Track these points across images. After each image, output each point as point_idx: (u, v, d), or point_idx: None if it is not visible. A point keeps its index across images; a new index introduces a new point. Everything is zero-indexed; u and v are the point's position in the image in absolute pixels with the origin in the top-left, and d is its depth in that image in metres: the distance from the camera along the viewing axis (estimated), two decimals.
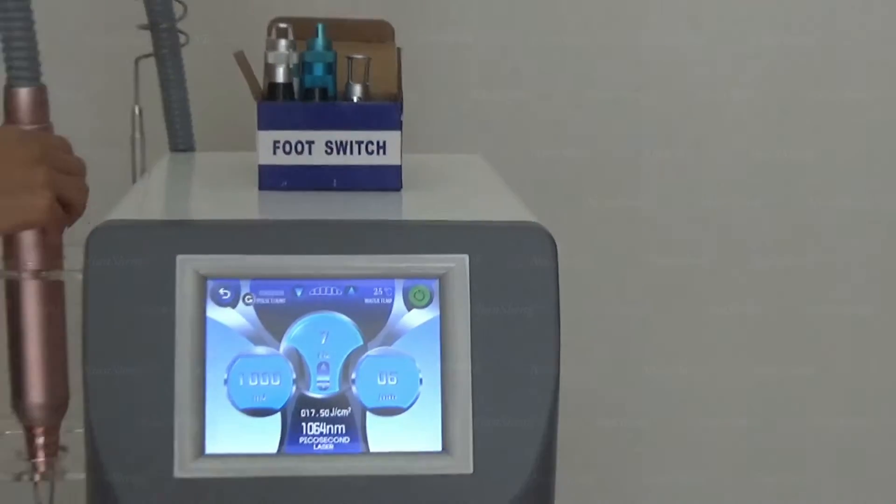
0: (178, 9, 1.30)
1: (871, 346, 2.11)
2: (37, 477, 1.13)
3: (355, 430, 0.94)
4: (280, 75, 1.10)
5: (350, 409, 0.94)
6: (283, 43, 1.09)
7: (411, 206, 1.06)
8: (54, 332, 1.13)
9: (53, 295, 1.13)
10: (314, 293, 0.95)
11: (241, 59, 1.11)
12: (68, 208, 1.05)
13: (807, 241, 2.04)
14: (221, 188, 1.14)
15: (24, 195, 1.00)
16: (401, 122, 1.09)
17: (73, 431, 1.15)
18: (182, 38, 1.32)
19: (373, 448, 0.93)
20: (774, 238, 2.03)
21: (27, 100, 1.08)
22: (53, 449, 1.14)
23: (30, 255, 1.10)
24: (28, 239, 1.10)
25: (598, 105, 1.92)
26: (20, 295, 1.11)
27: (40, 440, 1.13)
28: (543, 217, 0.99)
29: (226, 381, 0.93)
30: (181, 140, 1.38)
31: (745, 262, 2.04)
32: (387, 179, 1.10)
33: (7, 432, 1.15)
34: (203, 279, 0.94)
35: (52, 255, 1.11)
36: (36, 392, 1.12)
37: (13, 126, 1.08)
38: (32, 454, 1.13)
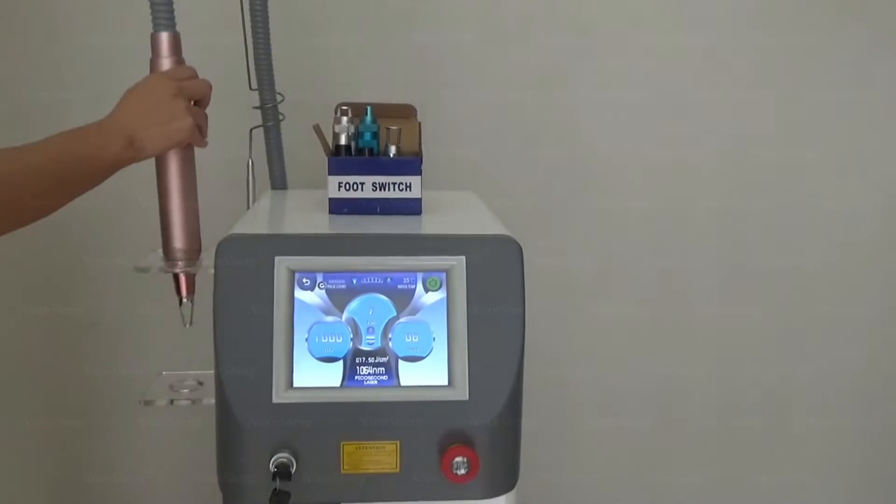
0: (278, 96, 1.30)
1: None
2: (184, 300, 1.11)
3: (391, 371, 0.94)
4: (343, 139, 1.10)
5: (388, 357, 0.94)
6: (344, 119, 1.10)
7: (428, 224, 1.06)
8: (190, 195, 1.11)
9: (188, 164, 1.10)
10: (365, 281, 0.95)
11: (317, 129, 1.12)
12: (200, 116, 1.06)
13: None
14: (305, 213, 1.14)
15: (173, 123, 1.02)
16: (421, 170, 1.10)
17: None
18: (281, 116, 1.33)
19: (403, 383, 0.94)
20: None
21: (167, 42, 1.07)
22: (191, 287, 1.12)
23: None
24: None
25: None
26: (165, 166, 1.09)
27: (182, 279, 1.11)
28: (514, 231, 0.99)
29: (306, 339, 0.93)
30: (278, 181, 1.38)
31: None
32: (412, 207, 1.10)
33: (164, 372, 1.16)
34: (292, 272, 0.94)
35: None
36: (178, 240, 1.10)
37: (154, 73, 1.06)
38: (178, 289, 1.11)
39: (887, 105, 1.90)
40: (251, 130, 1.32)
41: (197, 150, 1.10)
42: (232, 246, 0.94)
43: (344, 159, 1.09)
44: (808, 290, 1.96)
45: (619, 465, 2.01)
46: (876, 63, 1.87)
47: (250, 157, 1.32)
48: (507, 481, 0.95)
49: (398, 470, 0.91)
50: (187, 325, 1.11)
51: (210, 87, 1.09)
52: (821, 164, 1.91)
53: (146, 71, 1.07)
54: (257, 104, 1.31)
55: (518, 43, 1.77)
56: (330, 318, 0.94)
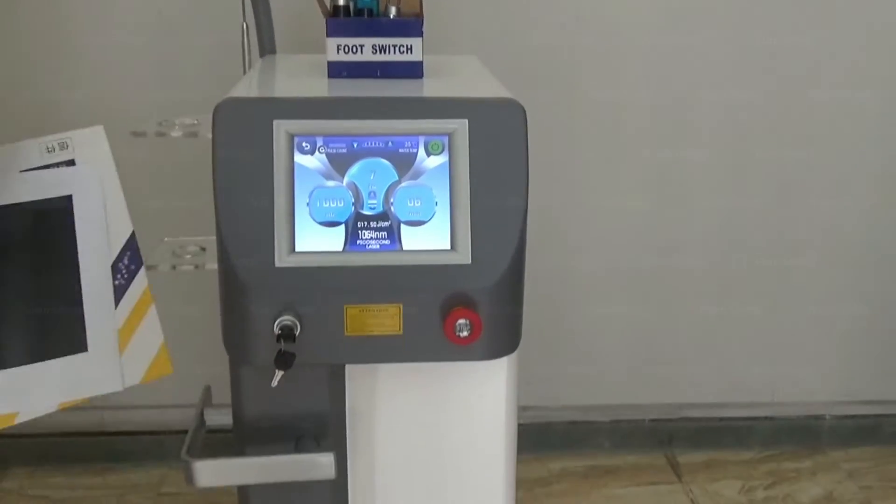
0: None
1: None
2: None
3: (394, 235, 0.94)
4: (341, 0, 1.07)
5: (390, 221, 0.94)
6: None
7: (430, 88, 1.05)
8: None
9: None
10: (366, 145, 0.94)
11: None
12: None
13: None
14: (303, 77, 1.12)
15: None
16: (422, 31, 1.06)
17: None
18: None
19: (405, 247, 0.94)
20: None
21: None
22: None
23: None
24: None
25: None
26: None
27: None
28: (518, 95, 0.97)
29: (307, 204, 0.93)
30: (267, 46, 1.34)
31: None
32: (413, 70, 1.07)
33: (166, 239, 1.15)
34: (291, 136, 0.93)
35: None
36: None
37: None
38: None
39: None
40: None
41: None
42: (229, 109, 0.93)
43: (343, 21, 1.06)
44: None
45: (620, 327, 2.05)
46: None
47: (244, 20, 1.28)
48: (508, 343, 0.97)
49: (401, 332, 0.93)
50: None
51: None
52: None
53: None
54: None
55: None
56: (331, 183, 0.93)
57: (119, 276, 0.78)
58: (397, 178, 0.94)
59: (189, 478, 0.93)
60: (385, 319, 0.92)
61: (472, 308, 0.91)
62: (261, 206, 0.92)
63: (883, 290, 2.07)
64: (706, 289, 2.04)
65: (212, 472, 0.93)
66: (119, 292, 0.78)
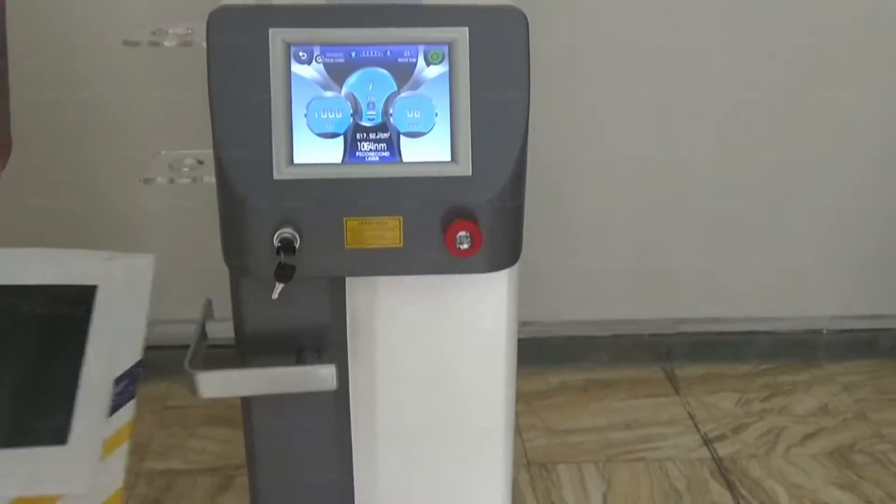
0: None
1: None
2: None
3: (393, 147, 0.93)
4: None
5: (389, 133, 0.93)
6: None
7: None
8: None
9: None
10: (364, 55, 0.92)
11: None
12: None
13: None
14: None
15: None
16: None
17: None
18: None
19: (405, 159, 0.93)
20: None
21: None
22: None
23: None
24: None
25: None
26: None
27: None
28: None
29: (305, 115, 0.92)
30: None
31: None
32: None
33: (163, 152, 1.14)
34: (287, 45, 0.91)
35: None
36: None
37: None
38: None
39: None
40: None
41: None
42: (223, 18, 0.91)
43: None
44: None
45: (619, 241, 2.05)
46: None
47: None
48: (509, 256, 0.97)
49: (401, 245, 0.92)
50: None
51: None
52: None
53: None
54: None
55: None
56: (329, 94, 0.92)
57: (114, 395, 0.76)
58: (396, 88, 0.92)
59: (192, 389, 0.94)
60: (385, 232, 0.92)
61: (473, 220, 0.91)
62: (258, 118, 0.90)
63: (883, 205, 2.06)
64: (706, 205, 2.03)
65: (214, 384, 0.94)
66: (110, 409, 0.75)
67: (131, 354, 0.74)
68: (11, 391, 0.72)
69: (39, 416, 0.71)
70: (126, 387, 0.74)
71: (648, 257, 2.07)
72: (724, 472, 1.79)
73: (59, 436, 0.70)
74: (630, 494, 1.73)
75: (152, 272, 0.78)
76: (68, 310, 0.76)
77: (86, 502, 0.69)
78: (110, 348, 0.75)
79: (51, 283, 0.77)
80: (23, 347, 0.74)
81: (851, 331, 2.17)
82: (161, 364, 2.00)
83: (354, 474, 1.06)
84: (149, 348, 2.11)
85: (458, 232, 0.90)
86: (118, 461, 0.71)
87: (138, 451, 1.82)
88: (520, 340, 1.07)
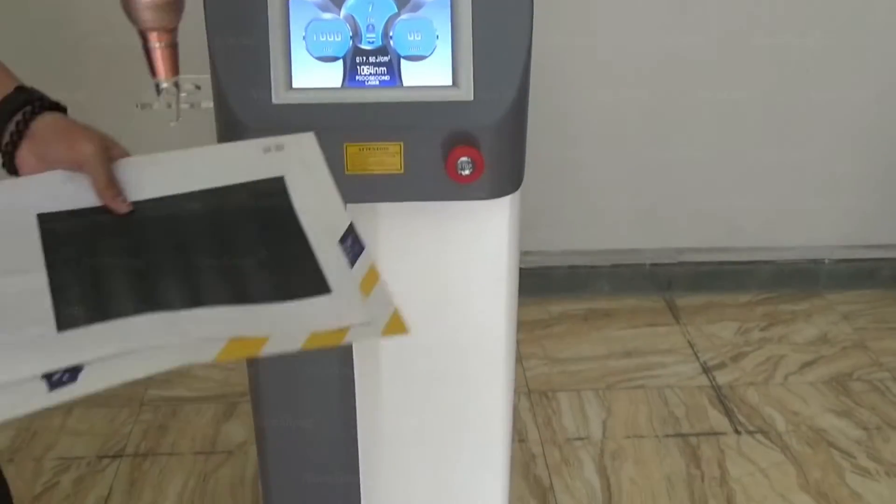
0: None
1: None
2: (163, 84, 0.91)
3: (393, 71, 0.91)
4: None
5: (389, 56, 0.91)
6: None
7: None
8: None
9: None
10: None
11: None
12: None
13: None
14: None
15: None
16: None
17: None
18: None
19: (405, 83, 0.91)
20: None
21: None
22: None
23: None
24: None
25: None
26: None
27: (156, 45, 0.87)
28: None
29: (304, 38, 0.90)
30: None
31: None
32: None
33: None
34: None
35: None
36: None
37: None
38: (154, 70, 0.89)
39: None
40: None
41: None
42: None
43: None
44: None
45: (621, 170, 2.03)
46: None
47: None
48: (511, 182, 0.96)
49: (402, 171, 0.91)
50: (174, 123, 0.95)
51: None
52: None
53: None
54: None
55: None
56: (327, 16, 0.90)
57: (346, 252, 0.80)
58: (396, 10, 0.90)
59: None
60: (385, 158, 0.91)
61: (474, 146, 0.89)
62: (255, 40, 0.89)
63: (886, 137, 2.04)
64: (708, 132, 2.01)
65: None
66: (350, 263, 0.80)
67: (341, 219, 0.79)
68: (257, 266, 0.76)
69: (296, 278, 0.76)
70: (352, 243, 0.78)
71: (650, 186, 2.06)
72: (722, 399, 1.81)
73: (322, 287, 0.75)
74: (629, 421, 1.75)
75: (317, 144, 0.81)
76: (269, 201, 0.80)
77: (370, 329, 0.74)
78: (321, 220, 0.79)
79: (244, 181, 0.82)
80: (249, 236, 0.79)
81: (853, 260, 2.17)
82: None
83: (356, 399, 1.07)
84: None
85: (459, 158, 0.89)
86: (380, 293, 0.76)
87: (142, 379, 1.84)
88: (521, 270, 1.07)
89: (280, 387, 1.05)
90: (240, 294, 0.74)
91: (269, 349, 0.70)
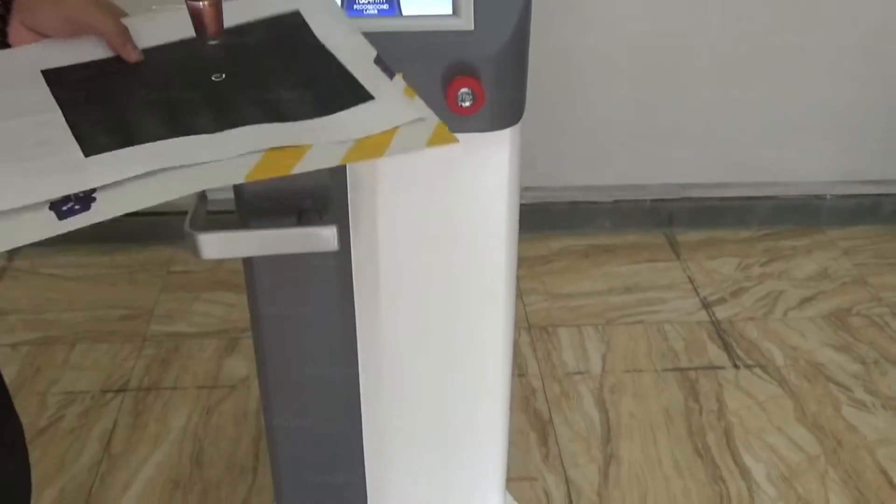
0: None
1: None
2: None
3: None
4: None
5: None
6: None
7: None
8: None
9: None
10: None
11: None
12: None
13: None
14: None
15: None
16: None
17: None
18: None
19: (405, 12, 0.89)
20: None
21: None
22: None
23: None
24: None
25: None
26: None
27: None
28: None
29: None
30: None
31: None
32: None
33: (153, 7, 1.09)
34: None
35: None
36: None
37: None
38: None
39: None
40: None
41: None
42: None
43: None
44: None
45: (623, 104, 2.01)
46: None
47: None
48: (512, 115, 0.94)
49: None
50: None
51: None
52: None
53: None
54: None
55: None
56: None
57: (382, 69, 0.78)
58: None
59: (194, 250, 0.93)
60: None
61: (475, 77, 0.88)
62: None
63: (886, 70, 2.01)
64: (710, 69, 1.98)
65: (216, 245, 0.93)
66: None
67: (367, 46, 0.77)
68: (292, 88, 0.74)
69: (336, 93, 0.74)
70: (384, 67, 0.76)
71: (652, 122, 2.03)
72: (721, 334, 1.82)
73: (365, 96, 0.73)
74: (628, 355, 1.76)
75: None
76: (289, 32, 0.78)
77: (418, 132, 0.72)
78: (348, 46, 0.77)
79: (258, 17, 0.79)
80: (276, 64, 0.76)
81: (855, 196, 2.16)
82: (162, 230, 2.02)
83: (357, 334, 1.07)
84: (149, 214, 2.12)
85: (459, 89, 0.87)
86: (423, 104, 0.74)
87: (144, 316, 1.85)
88: (522, 206, 1.06)
89: (279, 320, 1.05)
90: (278, 113, 0.70)
91: (308, 163, 0.67)
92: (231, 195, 0.98)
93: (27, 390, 1.65)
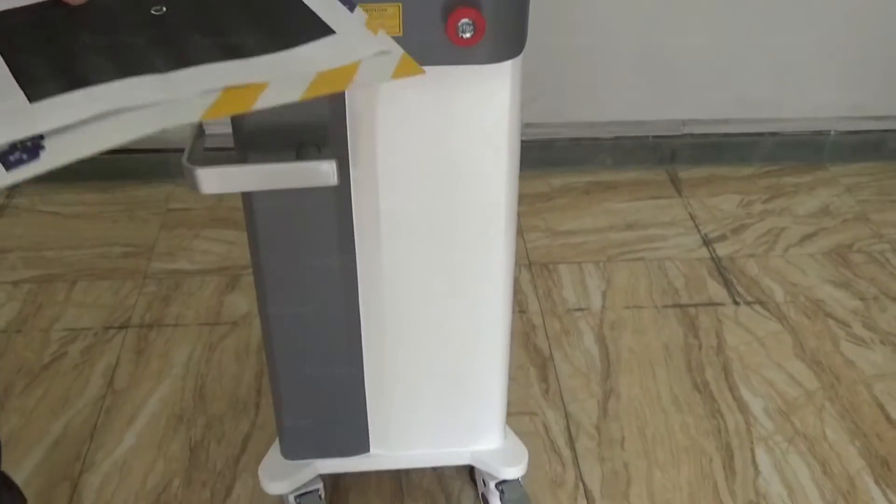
0: None
1: None
2: None
3: None
4: None
5: None
6: None
7: None
8: None
9: None
10: None
11: None
12: None
13: None
14: None
15: None
16: None
17: None
18: None
19: None
20: None
21: None
22: None
23: None
24: None
25: None
26: None
27: None
28: None
29: None
30: None
31: None
32: None
33: None
34: None
35: None
36: None
37: None
38: None
39: None
40: None
41: None
42: None
43: None
44: None
45: (624, 38, 1.98)
46: None
47: None
48: (513, 46, 0.92)
49: (401, 33, 0.88)
50: None
51: None
52: None
53: None
54: None
55: None
56: None
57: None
58: None
59: (193, 185, 0.92)
60: (383, 20, 0.87)
61: (476, 6, 0.86)
62: None
63: (888, 4, 1.97)
64: (714, 4, 1.94)
65: (215, 179, 0.92)
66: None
67: None
68: (247, 23, 0.72)
69: (294, 27, 0.72)
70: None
71: (654, 58, 2.00)
72: (721, 270, 1.82)
73: (325, 30, 0.71)
74: (629, 292, 1.77)
75: None
76: None
77: (383, 64, 0.70)
78: None
79: None
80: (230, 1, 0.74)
81: (859, 132, 2.14)
82: (160, 167, 2.01)
83: (357, 271, 1.07)
84: (147, 151, 2.11)
85: (460, 19, 0.86)
86: (386, 38, 0.71)
87: (144, 253, 1.85)
88: (523, 143, 1.05)
89: (279, 255, 1.05)
90: (233, 50, 0.69)
91: (267, 99, 0.66)
92: (230, 130, 0.97)
93: (30, 326, 1.65)
